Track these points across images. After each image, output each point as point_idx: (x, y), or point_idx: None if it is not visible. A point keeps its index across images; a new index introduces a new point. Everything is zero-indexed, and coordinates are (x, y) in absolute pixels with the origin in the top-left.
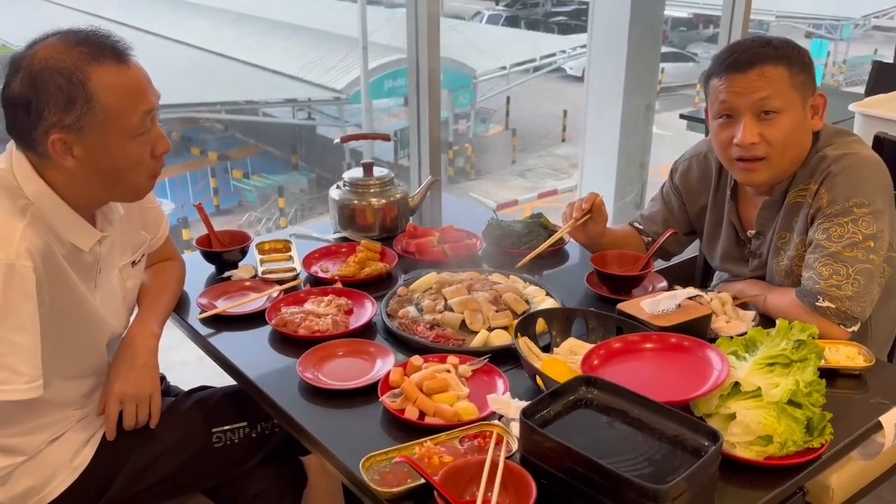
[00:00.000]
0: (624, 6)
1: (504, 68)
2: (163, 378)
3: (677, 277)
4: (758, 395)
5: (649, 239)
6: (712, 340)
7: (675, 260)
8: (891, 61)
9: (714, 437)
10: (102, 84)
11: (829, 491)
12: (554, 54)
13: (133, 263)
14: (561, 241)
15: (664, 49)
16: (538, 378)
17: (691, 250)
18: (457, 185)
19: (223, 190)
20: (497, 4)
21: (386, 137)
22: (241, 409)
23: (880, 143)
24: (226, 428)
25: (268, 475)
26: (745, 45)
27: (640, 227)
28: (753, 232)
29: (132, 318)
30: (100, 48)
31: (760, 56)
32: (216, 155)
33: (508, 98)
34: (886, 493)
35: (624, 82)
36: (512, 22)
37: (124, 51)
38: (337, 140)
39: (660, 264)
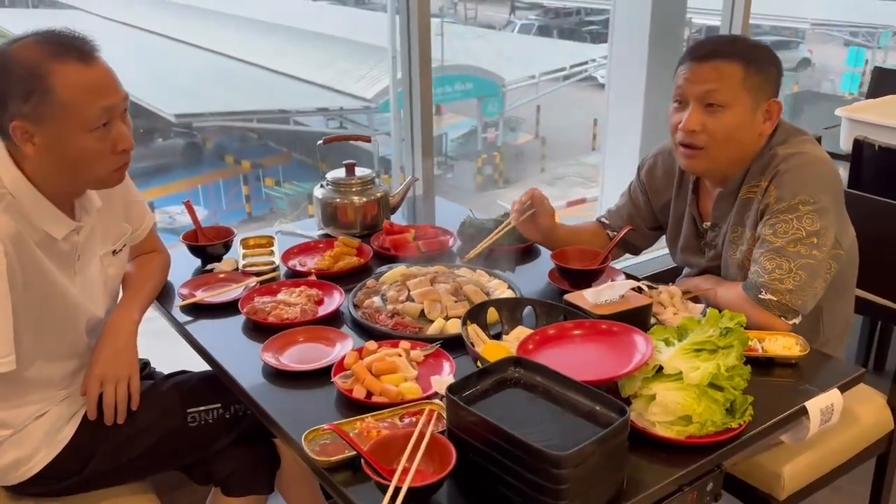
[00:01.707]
0: (644, 14)
1: (533, 77)
2: (146, 364)
3: (660, 281)
4: (679, 378)
5: (614, 233)
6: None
7: (662, 267)
8: (894, 67)
9: (622, 411)
10: (61, 79)
11: (780, 480)
12: (585, 63)
13: (114, 252)
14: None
15: None
16: (479, 362)
17: None
18: (485, 193)
19: (255, 197)
20: (512, 14)
21: (367, 139)
22: (216, 391)
23: (859, 146)
24: (200, 408)
25: (241, 455)
26: (710, 39)
27: (607, 221)
28: (709, 224)
29: (117, 305)
30: (65, 47)
31: (719, 51)
32: (249, 163)
33: (539, 107)
34: (857, 485)
35: (645, 89)
36: (544, 31)
37: (89, 51)
38: (320, 142)
39: (647, 269)
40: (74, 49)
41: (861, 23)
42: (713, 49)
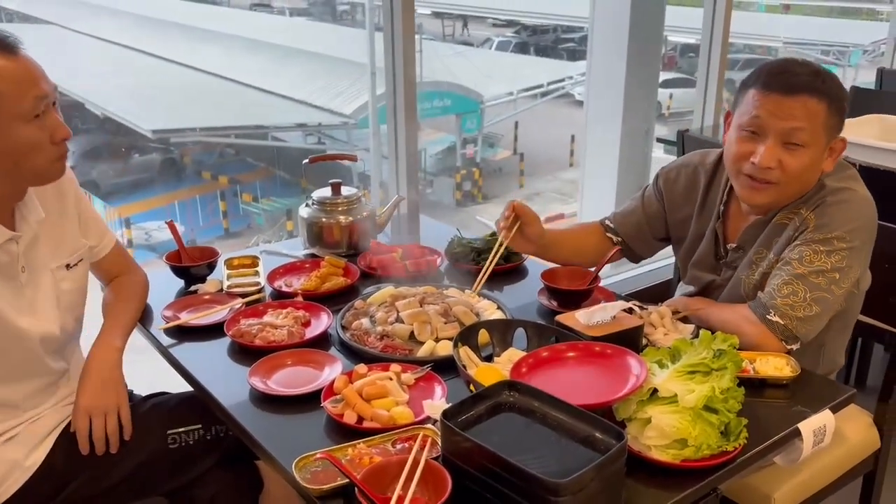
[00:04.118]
0: (622, 32)
1: (511, 94)
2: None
3: (652, 296)
4: (674, 400)
5: (619, 238)
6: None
7: (653, 282)
8: (870, 87)
9: (619, 436)
10: None
11: (770, 501)
12: (562, 80)
13: (68, 266)
14: (520, 256)
15: (673, 75)
16: (471, 385)
17: (668, 272)
18: (464, 208)
19: (232, 213)
20: (465, 29)
21: (353, 158)
22: (197, 412)
23: None
24: (181, 430)
25: (223, 478)
26: (796, 69)
27: (611, 225)
28: (734, 245)
29: (98, 334)
30: None
31: (809, 86)
32: (226, 179)
33: (517, 123)
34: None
35: (623, 107)
36: (521, 48)
37: (12, 44)
38: (306, 161)
39: (640, 283)
40: None
41: (832, 41)
42: (802, 83)
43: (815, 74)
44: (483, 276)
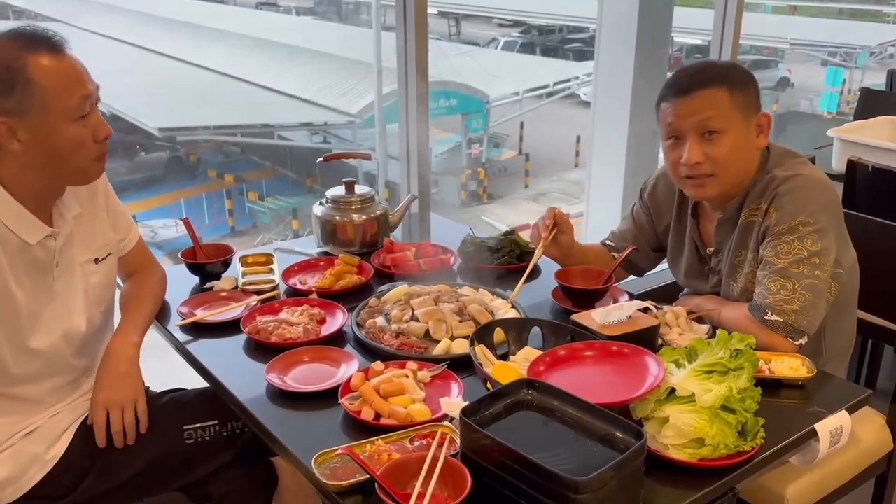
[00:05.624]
0: (630, 33)
1: (517, 94)
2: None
3: (660, 298)
4: (692, 400)
5: (618, 255)
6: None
7: (661, 283)
8: (881, 89)
9: (639, 435)
10: (39, 69)
11: (784, 501)
12: (568, 80)
13: (96, 261)
14: (531, 256)
15: None
16: (488, 383)
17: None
18: (469, 208)
19: (238, 212)
20: (457, 27)
21: (367, 156)
22: (213, 408)
23: (853, 167)
24: (197, 426)
25: (238, 474)
26: (688, 71)
27: (611, 244)
28: (712, 249)
29: (116, 329)
30: (34, 39)
31: (702, 80)
32: (232, 177)
33: (522, 123)
34: None
35: (630, 108)
36: (527, 48)
37: (59, 43)
38: (320, 159)
39: (647, 284)
40: (44, 41)
41: (839, 43)
42: (695, 80)
43: (704, 69)
44: (521, 285)
